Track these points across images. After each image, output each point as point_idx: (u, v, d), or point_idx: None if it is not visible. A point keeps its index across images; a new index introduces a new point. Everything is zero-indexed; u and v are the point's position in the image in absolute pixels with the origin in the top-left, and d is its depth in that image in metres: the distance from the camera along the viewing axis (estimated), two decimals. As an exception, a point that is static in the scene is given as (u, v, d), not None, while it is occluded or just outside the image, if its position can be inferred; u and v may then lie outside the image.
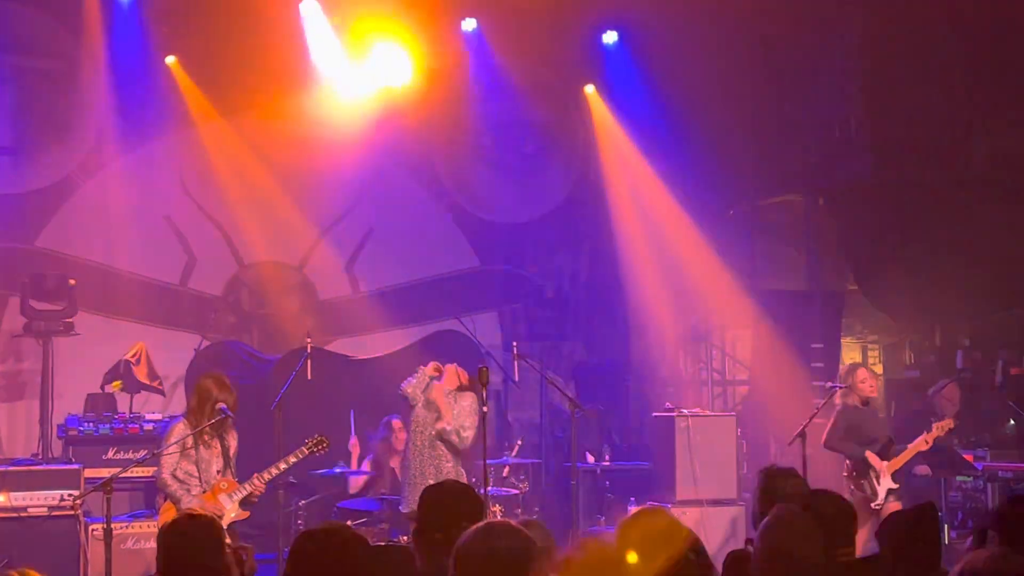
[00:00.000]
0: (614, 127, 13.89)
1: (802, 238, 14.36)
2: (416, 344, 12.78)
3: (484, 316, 13.99)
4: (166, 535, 4.79)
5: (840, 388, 9.75)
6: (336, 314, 13.64)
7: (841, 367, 11.31)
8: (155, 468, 9.90)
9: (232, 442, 8.55)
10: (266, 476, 8.48)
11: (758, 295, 14.50)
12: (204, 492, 8.29)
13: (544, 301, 13.45)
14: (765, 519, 4.61)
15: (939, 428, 9.48)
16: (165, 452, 8.27)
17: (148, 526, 9.83)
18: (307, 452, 8.65)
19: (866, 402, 9.63)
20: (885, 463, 9.41)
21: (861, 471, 9.51)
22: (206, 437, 8.36)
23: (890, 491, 9.36)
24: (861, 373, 9.72)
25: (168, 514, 8.18)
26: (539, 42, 13.24)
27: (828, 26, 12.89)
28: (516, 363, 10.25)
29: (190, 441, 8.29)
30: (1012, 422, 11.19)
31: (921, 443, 9.50)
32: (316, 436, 8.73)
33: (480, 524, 3.74)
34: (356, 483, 10.68)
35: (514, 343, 10.77)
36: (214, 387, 8.43)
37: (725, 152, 13.90)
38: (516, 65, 13.56)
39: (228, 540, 5.36)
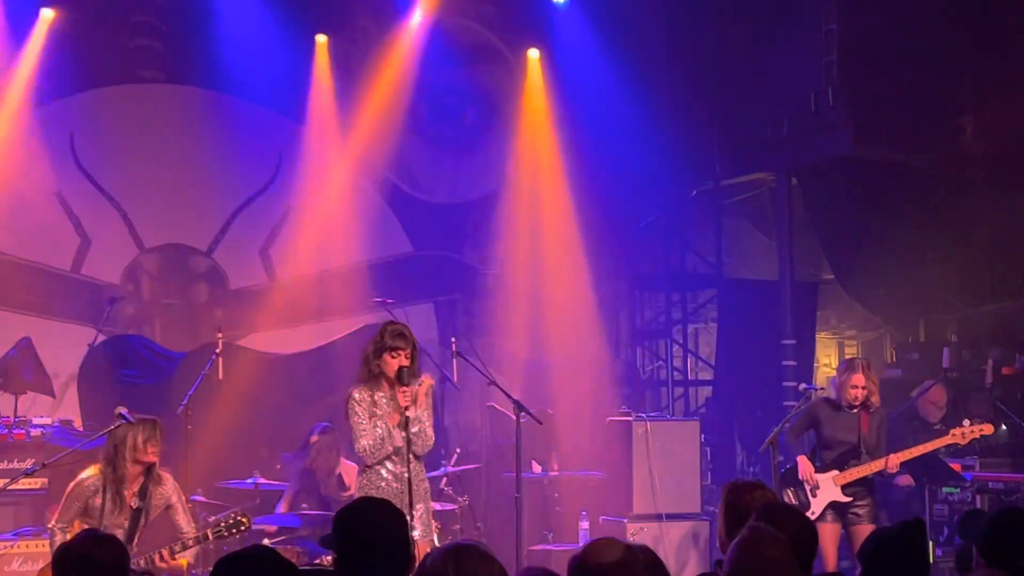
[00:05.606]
0: (556, 97, 13.94)
1: (772, 222, 14.49)
2: (344, 339, 12.73)
3: (418, 308, 14.01)
4: (65, 557, 4.77)
5: (815, 390, 9.80)
6: (250, 305, 13.55)
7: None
8: (44, 480, 9.91)
9: (158, 502, 7.90)
10: (167, 555, 7.71)
11: (723, 284, 14.64)
12: None
13: (486, 292, 13.45)
14: (735, 539, 4.66)
15: (976, 430, 9.15)
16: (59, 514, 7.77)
17: (37, 545, 9.71)
18: (213, 536, 7.82)
19: (849, 405, 9.24)
20: (830, 474, 9.14)
21: (790, 477, 9.30)
22: (126, 492, 7.80)
23: (833, 505, 9.09)
24: (854, 378, 9.26)
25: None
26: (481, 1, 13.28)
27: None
28: (454, 361, 10.25)
29: (98, 499, 7.75)
30: (1004, 427, 11.29)
31: (951, 439, 9.18)
32: (234, 514, 8.04)
33: (449, 547, 3.80)
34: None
35: (452, 338, 10.78)
36: (138, 435, 7.76)
37: (687, 125, 13.98)
38: (456, 26, 13.56)
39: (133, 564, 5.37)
